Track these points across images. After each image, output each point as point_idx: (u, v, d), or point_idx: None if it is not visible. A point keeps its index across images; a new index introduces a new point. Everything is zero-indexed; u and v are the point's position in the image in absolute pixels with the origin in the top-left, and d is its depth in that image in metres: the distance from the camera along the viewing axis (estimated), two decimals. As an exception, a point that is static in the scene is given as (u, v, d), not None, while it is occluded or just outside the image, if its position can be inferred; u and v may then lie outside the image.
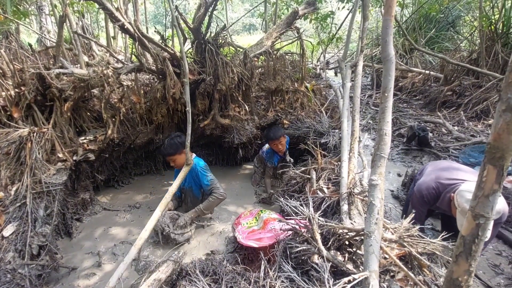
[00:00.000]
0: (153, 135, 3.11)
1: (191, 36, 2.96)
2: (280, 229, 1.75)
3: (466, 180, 1.86)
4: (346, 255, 1.56)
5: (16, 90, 2.39)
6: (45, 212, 1.99)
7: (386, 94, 1.38)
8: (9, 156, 2.03)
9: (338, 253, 1.58)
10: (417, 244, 1.43)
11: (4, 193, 1.95)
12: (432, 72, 6.14)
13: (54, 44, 3.66)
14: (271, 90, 3.66)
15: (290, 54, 4.48)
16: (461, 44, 7.42)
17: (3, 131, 2.14)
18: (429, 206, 2.07)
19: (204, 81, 2.82)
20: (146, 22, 5.32)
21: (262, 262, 1.58)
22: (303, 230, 1.58)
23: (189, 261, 1.79)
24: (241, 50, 3.37)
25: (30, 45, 3.02)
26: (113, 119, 2.80)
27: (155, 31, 2.91)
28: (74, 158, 2.45)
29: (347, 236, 1.60)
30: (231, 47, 3.25)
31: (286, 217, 1.99)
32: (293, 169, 2.57)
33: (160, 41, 2.70)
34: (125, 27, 2.37)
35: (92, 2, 3.68)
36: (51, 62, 2.55)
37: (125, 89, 2.85)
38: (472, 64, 5.43)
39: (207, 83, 2.85)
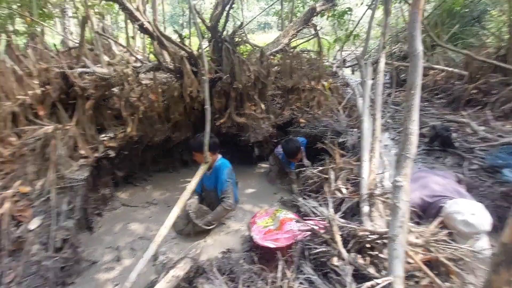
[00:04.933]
0: (170, 133, 3.14)
1: (208, 34, 2.98)
2: (298, 230, 1.72)
3: (445, 196, 1.86)
4: (368, 258, 1.51)
5: (42, 89, 2.48)
6: (68, 207, 2.06)
7: (412, 92, 1.32)
8: (34, 152, 2.11)
9: (359, 256, 1.53)
10: (444, 249, 1.36)
11: (31, 187, 2.03)
12: (455, 70, 5.88)
13: (76, 44, 3.78)
14: (288, 88, 3.62)
15: (306, 52, 4.42)
16: (487, 40, 7.05)
17: (29, 128, 2.22)
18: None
19: (220, 79, 2.82)
20: (163, 22, 5.41)
21: (280, 263, 1.56)
22: (322, 231, 1.54)
23: (206, 258, 1.80)
24: (257, 48, 3.35)
25: (55, 45, 3.13)
26: (132, 117, 2.85)
27: (173, 30, 2.94)
28: (95, 154, 2.52)
29: (368, 239, 1.55)
30: (247, 45, 3.23)
31: (303, 218, 1.96)
32: (310, 169, 2.52)
33: (178, 40, 2.72)
34: (144, 26, 2.40)
35: (112, 3, 3.77)
36: (74, 62, 2.62)
37: (144, 87, 2.90)
38: (499, 61, 5.15)
39: (223, 82, 2.85)
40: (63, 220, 1.98)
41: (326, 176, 2.35)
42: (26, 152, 2.14)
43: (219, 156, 2.61)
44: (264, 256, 2.07)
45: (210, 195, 2.65)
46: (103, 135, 2.69)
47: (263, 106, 3.47)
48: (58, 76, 2.40)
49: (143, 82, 2.95)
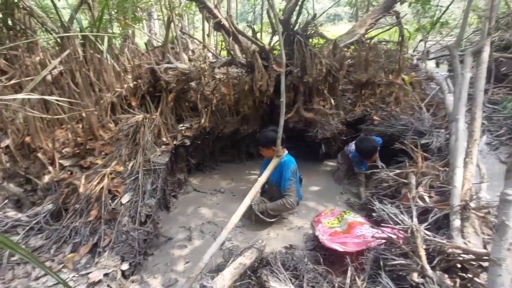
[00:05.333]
0: (239, 126, 3.26)
1: (280, 28, 2.95)
2: (372, 237, 1.58)
3: None
4: (458, 280, 1.30)
5: (134, 82, 2.85)
6: (151, 187, 2.33)
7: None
8: (128, 137, 2.44)
9: (446, 275, 1.33)
10: None
11: (124, 167, 2.36)
12: None
13: (160, 44, 4.22)
14: (361, 82, 3.36)
15: (385, 43, 4.02)
16: None
17: (124, 117, 2.58)
18: None
19: (291, 73, 2.78)
20: (236, 18, 5.61)
21: (349, 268, 1.46)
22: (401, 241, 1.38)
23: (269, 251, 1.81)
24: (330, 40, 3.18)
25: (146, 44, 3.54)
26: (206, 109, 3.05)
27: (247, 25, 3.00)
28: (174, 142, 2.78)
29: (460, 258, 1.33)
30: (319, 38, 3.10)
31: (378, 224, 1.79)
32: (386, 171, 2.29)
33: (251, 35, 2.77)
34: (222, 23, 2.51)
35: (190, 4, 4.06)
36: (160, 59, 2.93)
37: (217, 81, 3.06)
38: None
39: (293, 75, 2.80)
40: (147, 198, 2.24)
41: (405, 180, 2.10)
42: (121, 136, 2.49)
43: (285, 151, 2.58)
44: (329, 258, 1.98)
45: (272, 189, 2.66)
46: (181, 125, 2.95)
47: (332, 101, 3.30)
48: (147, 71, 2.72)
49: (217, 76, 3.12)
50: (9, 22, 3.36)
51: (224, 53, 5.02)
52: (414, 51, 8.33)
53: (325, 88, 3.24)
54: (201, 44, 3.83)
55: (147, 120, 2.47)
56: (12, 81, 2.78)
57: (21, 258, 1.83)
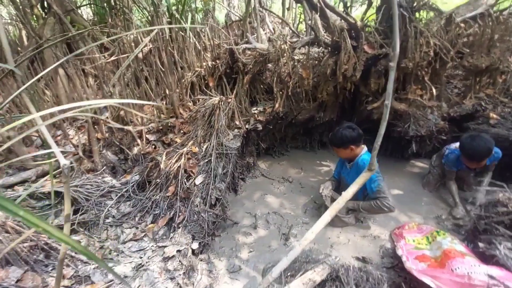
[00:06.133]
0: (315, 113, 3.00)
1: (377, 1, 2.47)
2: (481, 281, 1.23)
3: None
4: None
5: (213, 62, 2.84)
6: (222, 171, 2.35)
7: None
8: (204, 119, 2.48)
9: None
10: None
11: (199, 148, 2.43)
12: None
13: (238, 18, 4.11)
14: (480, 69, 2.64)
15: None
16: None
17: (202, 98, 2.62)
18: None
19: (386, 56, 2.33)
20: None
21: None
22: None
23: (340, 263, 1.64)
24: (442, 14, 2.52)
25: (226, 22, 3.47)
26: (281, 92, 2.88)
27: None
28: (247, 126, 2.73)
29: None
30: (429, 12, 2.49)
31: (485, 258, 1.41)
32: (506, 190, 1.78)
33: (342, 10, 2.39)
34: (309, -4, 2.21)
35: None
36: (239, 38, 2.83)
37: (296, 63, 2.81)
38: None
39: (389, 60, 2.34)
40: (218, 181, 2.28)
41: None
42: (198, 117, 2.55)
43: (364, 148, 2.23)
44: (410, 283, 1.69)
45: (346, 188, 2.39)
46: (254, 108, 2.87)
47: (434, 90, 2.71)
48: (226, 51, 2.65)
49: (296, 57, 2.87)
50: (112, 1, 3.71)
51: (301, 26, 4.63)
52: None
53: (427, 73, 2.67)
54: (281, 20, 3.56)
55: (222, 103, 2.45)
56: (112, 58, 3.11)
57: (114, 221, 2.10)
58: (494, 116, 2.56)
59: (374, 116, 2.84)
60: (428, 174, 2.74)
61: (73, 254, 1.74)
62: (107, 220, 2.09)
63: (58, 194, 2.10)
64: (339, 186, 2.57)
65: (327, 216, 1.49)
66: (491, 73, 2.76)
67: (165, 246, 1.91)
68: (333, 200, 2.36)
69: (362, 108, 2.86)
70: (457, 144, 2.39)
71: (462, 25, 2.64)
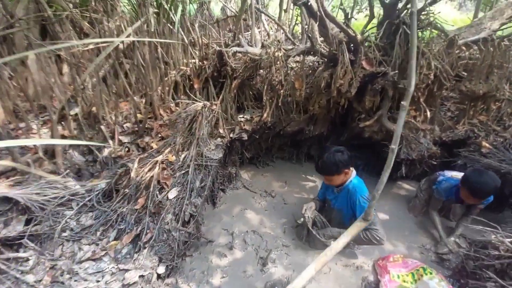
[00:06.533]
0: (305, 125, 2.84)
1: (380, 14, 2.32)
2: None
3: None
4: None
5: (200, 63, 2.61)
6: (200, 184, 2.15)
7: None
8: (185, 125, 2.26)
9: None
10: None
11: (176, 157, 2.22)
12: None
13: (233, 14, 3.88)
14: (477, 95, 2.56)
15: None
16: None
17: (185, 102, 2.40)
18: None
19: (384, 75, 2.19)
20: None
21: None
22: None
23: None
24: (446, 34, 2.41)
25: (217, 20, 3.24)
26: (271, 101, 2.70)
27: (340, 8, 2.44)
28: (231, 135, 2.53)
29: None
30: (432, 31, 2.36)
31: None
32: (498, 232, 1.67)
33: (342, 21, 2.22)
34: (309, 3, 2.02)
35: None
36: (230, 39, 2.61)
37: (288, 71, 2.64)
38: None
39: (387, 79, 2.21)
40: (194, 196, 2.08)
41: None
42: (178, 122, 2.32)
43: (353, 173, 2.09)
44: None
45: (333, 212, 2.24)
46: (241, 116, 2.67)
47: (429, 113, 2.61)
48: (215, 53, 2.43)
49: (289, 65, 2.69)
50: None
51: (297, 28, 4.44)
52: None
53: (422, 95, 2.56)
54: (276, 24, 3.37)
55: (206, 109, 2.24)
56: (92, 45, 2.82)
57: (71, 235, 1.86)
58: (487, 145, 2.49)
59: (366, 134, 2.72)
60: (414, 198, 2.64)
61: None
62: (64, 234, 1.85)
63: (9, 200, 1.84)
64: (323, 207, 2.43)
65: (311, 270, 1.32)
66: (486, 99, 2.69)
67: (127, 270, 1.70)
68: (314, 223, 2.22)
69: (354, 125, 2.72)
70: (454, 173, 2.29)
71: (464, 48, 2.54)
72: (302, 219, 2.29)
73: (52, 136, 2.19)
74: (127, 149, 2.48)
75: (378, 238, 1.86)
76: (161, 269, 1.78)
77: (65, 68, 2.89)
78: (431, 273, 1.73)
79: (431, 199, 2.44)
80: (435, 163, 2.63)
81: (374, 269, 2.00)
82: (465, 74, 2.63)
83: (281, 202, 2.71)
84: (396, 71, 2.16)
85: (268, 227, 2.38)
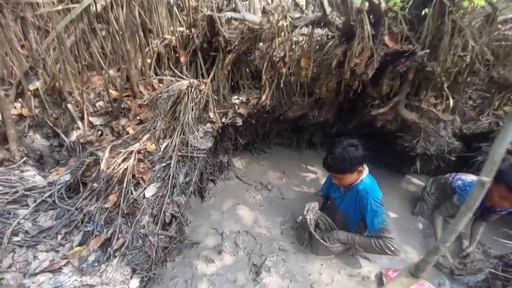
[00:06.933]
0: (308, 110, 2.48)
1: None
2: None
3: None
4: None
5: (187, 31, 2.17)
6: (184, 179, 1.82)
7: None
8: (166, 108, 1.88)
9: None
10: None
11: (156, 146, 1.86)
12: None
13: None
14: (509, 83, 2.21)
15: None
16: None
17: (167, 80, 1.99)
18: None
19: (412, 55, 1.80)
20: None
21: None
22: None
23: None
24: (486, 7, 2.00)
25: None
26: (271, 80, 2.31)
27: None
28: (223, 120, 2.17)
29: None
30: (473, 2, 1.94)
31: None
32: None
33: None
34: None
35: None
36: (224, 2, 2.15)
37: (294, 45, 2.22)
38: None
39: (415, 60, 1.82)
40: (176, 194, 1.75)
41: None
42: (159, 103, 1.93)
43: (366, 171, 1.75)
44: None
45: (337, 213, 1.95)
46: (235, 97, 2.29)
47: (451, 101, 2.28)
48: (205, 19, 1.99)
49: (294, 38, 2.27)
50: None
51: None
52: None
53: (447, 80, 2.20)
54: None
55: (193, 89, 1.85)
56: (61, 6, 2.32)
57: (25, 239, 1.53)
58: (514, 141, 2.18)
59: (378, 123, 2.38)
60: (421, 202, 2.33)
61: None
62: (16, 238, 1.52)
63: None
64: (326, 203, 2.14)
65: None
66: (519, 88, 2.35)
67: (92, 286, 1.40)
68: (317, 225, 1.94)
69: (365, 112, 2.37)
70: (473, 177, 1.98)
71: (501, 26, 2.15)
72: (300, 217, 2.01)
73: (3, 118, 1.79)
74: (99, 132, 2.11)
75: (393, 249, 1.59)
76: (135, 283, 1.49)
77: (32, 33, 2.41)
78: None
79: (445, 205, 2.13)
80: (453, 158, 2.33)
81: (381, 280, 1.75)
82: (493, 58, 2.26)
83: (278, 197, 2.41)
84: (427, 50, 1.77)
85: (263, 227, 2.10)
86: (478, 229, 2.01)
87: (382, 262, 1.90)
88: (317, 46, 2.40)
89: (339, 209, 1.91)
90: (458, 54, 1.79)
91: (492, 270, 1.53)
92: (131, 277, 1.50)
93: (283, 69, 2.27)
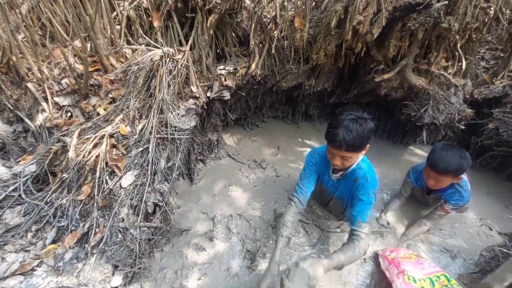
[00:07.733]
0: (304, 79, 2.22)
1: None
2: None
3: None
4: None
5: (160, -12, 1.82)
6: (166, 164, 1.62)
7: None
8: (138, 84, 1.62)
9: None
10: None
11: (131, 128, 1.63)
12: None
13: None
14: (531, 39, 1.95)
15: None
16: None
17: (138, 49, 1.69)
18: None
19: (428, 8, 1.51)
20: None
21: None
22: None
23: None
24: None
25: None
26: (261, 45, 2.02)
27: None
28: (208, 94, 1.92)
29: None
30: None
31: None
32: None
33: None
34: None
35: None
36: None
37: (285, 3, 1.90)
38: None
39: (429, 14, 1.54)
40: (158, 181, 1.57)
41: None
42: (129, 77, 1.67)
43: (362, 152, 1.43)
44: None
45: (331, 200, 1.78)
46: (221, 67, 2.01)
47: (464, 63, 2.03)
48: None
49: (286, -7, 1.94)
50: None
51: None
52: None
53: (461, 39, 1.93)
54: None
55: (168, 59, 1.57)
56: None
57: (-10, 239, 1.38)
58: (531, 106, 1.98)
59: (381, 91, 2.15)
60: (402, 186, 1.99)
61: None
62: (-19, 237, 1.36)
63: None
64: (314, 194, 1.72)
65: None
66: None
67: (67, 288, 1.27)
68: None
69: (368, 78, 2.12)
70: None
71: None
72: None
73: None
74: (68, 114, 1.86)
75: (365, 246, 1.36)
76: (117, 281, 1.37)
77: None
78: (453, 282, 1.38)
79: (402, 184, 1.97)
80: (463, 127, 2.14)
81: (378, 260, 1.65)
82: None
83: (272, 175, 2.25)
84: (445, 1, 1.47)
85: (257, 209, 1.96)
86: (427, 220, 1.82)
87: (377, 243, 1.79)
88: (313, 3, 2.09)
89: (334, 196, 1.73)
90: (481, 6, 1.50)
91: (504, 249, 1.41)
92: (113, 274, 1.38)
93: (275, 32, 1.97)
